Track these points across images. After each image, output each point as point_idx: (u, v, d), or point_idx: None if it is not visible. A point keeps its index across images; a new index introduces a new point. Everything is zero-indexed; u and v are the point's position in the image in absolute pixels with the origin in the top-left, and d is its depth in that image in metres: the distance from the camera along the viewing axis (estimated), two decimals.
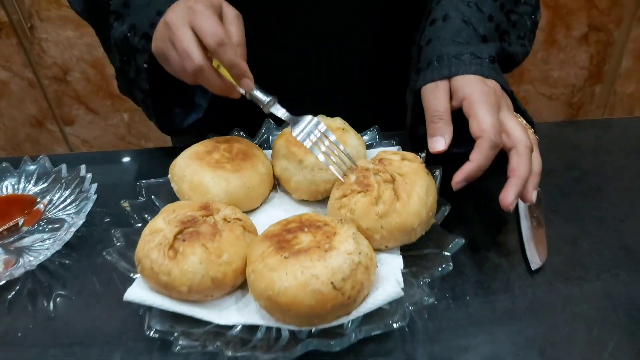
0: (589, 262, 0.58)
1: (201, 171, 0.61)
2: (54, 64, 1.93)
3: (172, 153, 0.68)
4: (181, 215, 0.53)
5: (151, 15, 0.61)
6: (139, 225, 0.60)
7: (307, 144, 0.60)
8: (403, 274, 0.53)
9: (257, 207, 0.65)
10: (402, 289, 0.50)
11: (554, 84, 2.05)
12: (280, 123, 0.73)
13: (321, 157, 0.59)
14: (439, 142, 0.56)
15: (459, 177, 0.54)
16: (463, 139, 0.57)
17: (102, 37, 0.73)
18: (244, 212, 0.59)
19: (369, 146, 0.70)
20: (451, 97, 0.59)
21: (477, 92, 0.56)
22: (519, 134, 0.56)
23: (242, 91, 0.61)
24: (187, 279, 0.49)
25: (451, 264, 0.51)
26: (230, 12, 0.61)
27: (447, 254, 0.53)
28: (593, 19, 1.89)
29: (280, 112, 0.62)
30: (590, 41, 1.95)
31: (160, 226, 0.52)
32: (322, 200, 0.64)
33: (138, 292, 0.51)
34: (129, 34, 0.63)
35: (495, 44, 0.63)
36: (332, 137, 0.61)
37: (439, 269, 0.51)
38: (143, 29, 0.62)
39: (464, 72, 0.58)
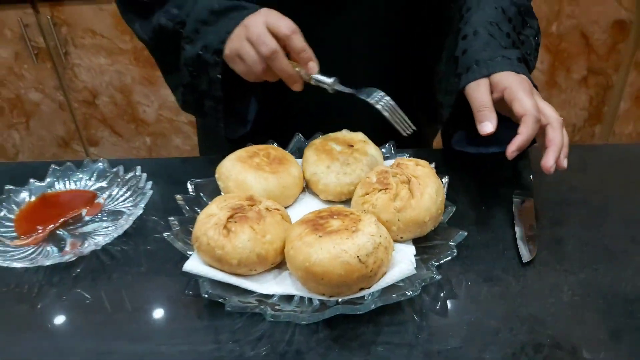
0: (574, 258, 0.68)
1: (244, 172, 0.72)
2: (84, 88, 2.05)
3: (202, 161, 0.92)
4: (231, 203, 0.63)
5: (222, 35, 0.73)
6: (190, 215, 0.70)
7: (379, 107, 0.70)
8: (414, 260, 0.63)
9: (289, 205, 0.75)
10: (415, 268, 0.60)
11: None
12: (308, 137, 0.84)
13: (388, 116, 0.70)
14: (487, 126, 0.67)
15: (513, 147, 0.65)
16: (476, 140, 0.69)
17: (164, 61, 0.86)
18: None
19: (385, 158, 0.81)
20: (491, 92, 0.70)
21: (515, 82, 0.68)
22: (551, 113, 0.68)
23: (306, 77, 0.71)
24: (238, 253, 0.59)
25: (455, 250, 0.62)
26: None
27: (452, 243, 0.63)
28: (592, 63, 2.00)
29: (344, 88, 0.72)
30: (590, 84, 2.05)
31: (214, 211, 0.62)
32: (345, 200, 0.74)
33: (194, 265, 0.61)
34: (201, 52, 0.75)
35: (517, 51, 0.74)
36: (392, 102, 0.70)
37: (445, 254, 0.61)
38: (214, 47, 0.73)
39: (500, 69, 0.70)
